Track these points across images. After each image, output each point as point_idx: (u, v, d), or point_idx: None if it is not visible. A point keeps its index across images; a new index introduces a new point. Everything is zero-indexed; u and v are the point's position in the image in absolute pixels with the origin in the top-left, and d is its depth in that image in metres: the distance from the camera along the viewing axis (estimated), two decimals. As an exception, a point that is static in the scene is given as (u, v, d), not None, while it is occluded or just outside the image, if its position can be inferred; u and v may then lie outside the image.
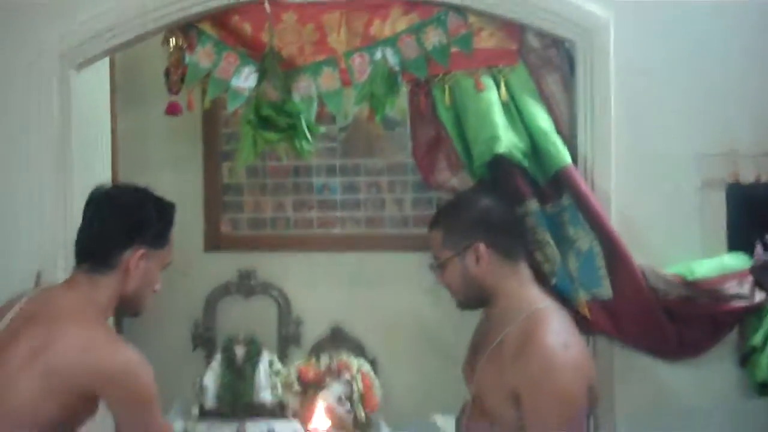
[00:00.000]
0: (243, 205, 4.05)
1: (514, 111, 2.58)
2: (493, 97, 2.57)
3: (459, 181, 2.70)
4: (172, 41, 2.81)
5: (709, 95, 2.58)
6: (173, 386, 3.69)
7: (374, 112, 2.71)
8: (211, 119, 3.96)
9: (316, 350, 4.01)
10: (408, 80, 2.71)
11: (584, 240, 2.51)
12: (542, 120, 2.55)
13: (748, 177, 2.55)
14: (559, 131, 2.56)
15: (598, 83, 2.57)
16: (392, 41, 2.67)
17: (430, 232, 2.38)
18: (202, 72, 2.76)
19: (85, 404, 2.05)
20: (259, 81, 2.67)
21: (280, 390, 3.68)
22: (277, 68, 2.65)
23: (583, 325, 2.52)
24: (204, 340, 4.09)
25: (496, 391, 2.19)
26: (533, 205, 2.53)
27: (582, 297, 2.52)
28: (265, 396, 3.66)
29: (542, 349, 2.12)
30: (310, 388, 3.66)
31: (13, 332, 2.04)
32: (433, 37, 2.64)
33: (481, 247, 2.26)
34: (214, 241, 4.06)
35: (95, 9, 2.72)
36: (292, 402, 3.69)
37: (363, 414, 3.60)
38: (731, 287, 2.43)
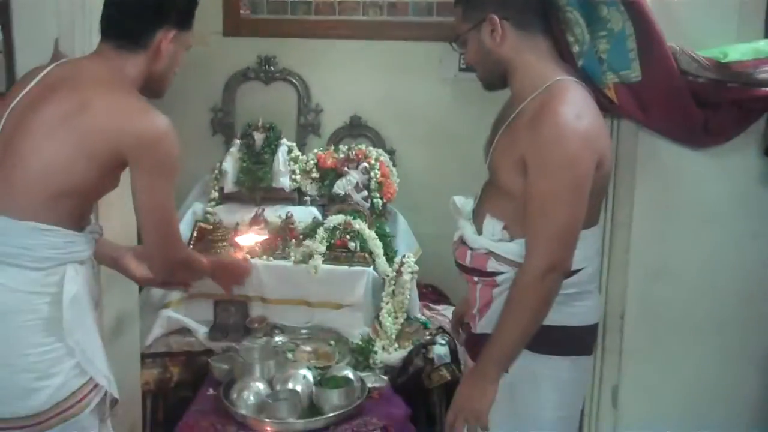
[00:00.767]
0: None
1: None
2: None
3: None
4: None
5: None
6: (193, 171, 3.77)
7: None
8: None
9: (335, 139, 4.03)
10: None
11: (617, 20, 2.40)
12: None
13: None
14: None
15: None
16: None
17: (454, 8, 2.31)
18: None
19: (111, 172, 2.05)
20: None
21: (298, 176, 3.73)
22: None
23: (609, 108, 2.46)
24: (223, 125, 4.09)
25: (508, 160, 2.18)
26: (565, -17, 2.42)
27: (609, 79, 2.44)
28: (284, 181, 3.71)
29: (554, 116, 2.09)
30: (328, 175, 3.72)
31: (39, 98, 2.02)
32: None
33: (495, 18, 2.19)
34: (234, 26, 3.99)
35: None
36: (310, 188, 3.75)
37: (380, 202, 3.66)
38: (764, 72, 2.34)
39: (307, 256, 3.40)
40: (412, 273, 3.35)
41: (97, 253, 2.24)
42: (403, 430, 2.97)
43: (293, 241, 3.51)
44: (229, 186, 3.72)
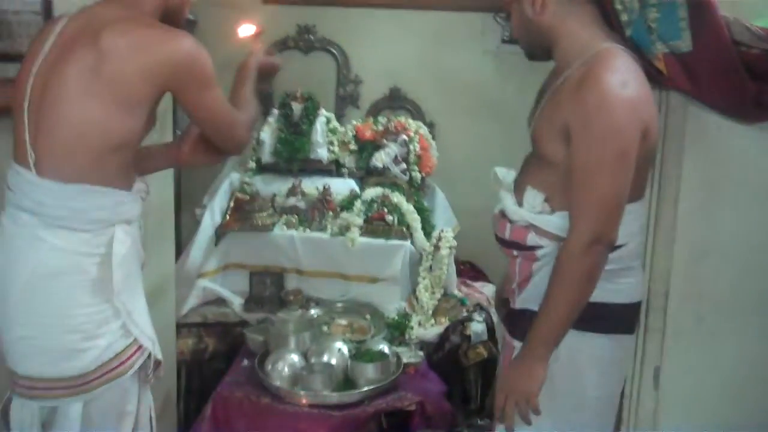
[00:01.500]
0: None
1: None
2: None
3: None
4: None
5: None
6: (230, 141, 3.70)
7: None
8: None
9: (374, 110, 4.00)
10: None
11: (668, -12, 2.33)
12: None
13: None
14: None
15: None
16: None
17: None
18: None
19: (151, 110, 2.02)
20: None
21: (336, 148, 3.70)
22: None
23: (657, 80, 2.38)
24: (261, 95, 3.97)
25: (551, 128, 2.13)
26: (615, -52, 2.34)
27: (659, 49, 2.36)
28: (322, 153, 3.68)
29: (599, 84, 2.02)
30: (366, 147, 3.68)
31: (59, 58, 1.98)
32: None
33: None
34: (274, -6, 3.92)
35: None
36: (348, 161, 3.71)
37: (419, 175, 3.61)
38: (823, 43, 2.26)
39: (344, 229, 3.38)
40: (450, 248, 3.31)
41: (153, 161, 2.27)
42: (438, 407, 2.94)
43: (330, 213, 3.49)
44: (266, 156, 3.69)
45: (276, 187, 3.63)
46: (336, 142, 3.69)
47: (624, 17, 2.36)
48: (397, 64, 3.87)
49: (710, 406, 2.54)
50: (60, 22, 2.06)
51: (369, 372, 2.85)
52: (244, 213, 3.49)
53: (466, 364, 3.17)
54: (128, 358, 2.04)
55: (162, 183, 2.76)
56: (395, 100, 3.95)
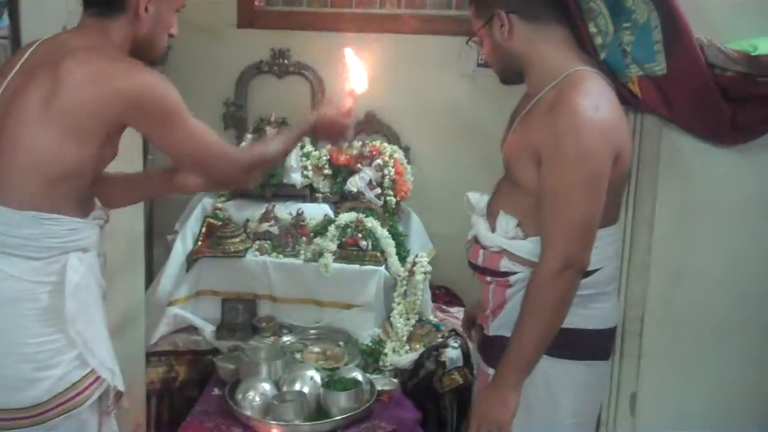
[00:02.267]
0: None
1: None
2: None
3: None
4: None
5: None
6: (203, 166, 3.67)
7: None
8: None
9: (349, 135, 3.93)
10: None
11: (642, 11, 2.31)
12: None
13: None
14: None
15: None
16: None
17: (469, 6, 2.27)
18: None
19: (108, 142, 1.97)
20: None
21: (310, 172, 3.66)
22: None
23: (632, 103, 2.38)
24: (235, 119, 4.02)
25: (522, 152, 2.11)
26: (587, -29, 2.33)
27: (633, 72, 2.36)
28: (296, 178, 3.65)
29: (570, 107, 2.01)
30: (340, 171, 3.66)
31: (22, 82, 1.95)
32: None
33: (502, 13, 2.12)
34: (248, 18, 3.91)
35: None
36: (322, 185, 3.68)
37: (393, 200, 3.59)
38: (796, 66, 2.25)
39: (318, 255, 3.34)
40: (425, 273, 3.27)
41: (145, 188, 2.27)
42: (413, 435, 2.89)
43: (304, 238, 3.45)
44: (238, 182, 3.63)
45: (249, 212, 3.58)
46: (310, 167, 3.65)
47: (598, 40, 2.35)
48: (372, 88, 3.80)
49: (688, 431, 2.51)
50: (31, 47, 2.04)
51: (342, 401, 2.79)
52: (215, 239, 3.44)
53: (441, 390, 3.12)
54: (85, 389, 1.97)
55: (132, 209, 2.71)
56: (370, 124, 3.91)
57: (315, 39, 3.87)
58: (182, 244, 3.51)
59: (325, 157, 3.65)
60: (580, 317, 2.09)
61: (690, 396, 2.52)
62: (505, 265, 2.17)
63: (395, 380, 3.06)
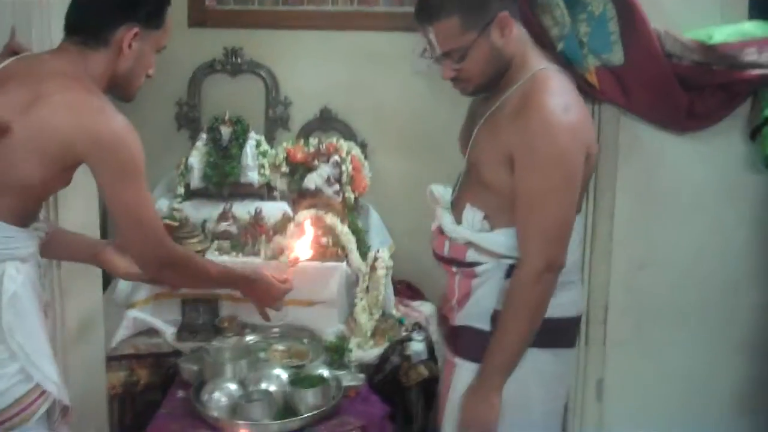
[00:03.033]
0: None
1: None
2: None
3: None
4: None
5: None
6: (158, 167, 3.60)
7: None
8: None
9: (305, 132, 3.92)
10: None
11: (597, 2, 2.36)
12: None
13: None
14: None
15: None
16: None
17: (431, 25, 2.10)
18: None
19: (62, 171, 1.94)
20: None
21: (267, 171, 3.61)
22: None
23: (590, 93, 2.41)
24: (188, 119, 3.97)
25: (491, 154, 2.12)
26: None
27: (591, 63, 2.40)
28: (252, 176, 3.58)
29: (541, 109, 2.02)
30: (298, 169, 3.61)
31: None
32: None
33: (506, 15, 2.07)
34: (199, 17, 3.85)
35: None
36: (280, 183, 3.64)
37: (352, 196, 3.56)
38: (750, 54, 2.32)
39: (278, 253, 3.30)
40: (386, 268, 3.26)
41: (73, 250, 2.17)
42: (382, 430, 2.88)
43: (263, 237, 3.41)
44: (195, 182, 3.58)
45: (206, 212, 3.53)
46: (267, 165, 3.60)
47: (555, 32, 2.38)
48: (327, 85, 3.83)
49: (654, 416, 2.56)
50: (5, 61, 1.99)
51: (309, 398, 2.77)
52: (173, 240, 3.38)
53: (407, 384, 3.12)
54: (30, 404, 1.92)
55: (86, 212, 2.68)
56: (326, 122, 3.90)
57: (268, 37, 3.83)
58: (139, 246, 3.44)
59: (282, 155, 3.62)
60: (550, 306, 2.12)
61: (655, 381, 2.57)
62: (471, 256, 2.19)
63: (361, 376, 3.04)
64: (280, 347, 3.18)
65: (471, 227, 2.19)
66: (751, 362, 2.56)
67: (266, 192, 3.64)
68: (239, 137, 3.58)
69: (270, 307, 2.53)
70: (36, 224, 2.03)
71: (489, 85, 2.18)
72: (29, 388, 1.92)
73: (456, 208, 2.27)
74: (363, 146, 3.80)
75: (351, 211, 3.56)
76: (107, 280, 3.31)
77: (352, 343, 3.16)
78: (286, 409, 2.79)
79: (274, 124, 3.94)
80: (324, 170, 3.56)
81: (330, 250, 3.33)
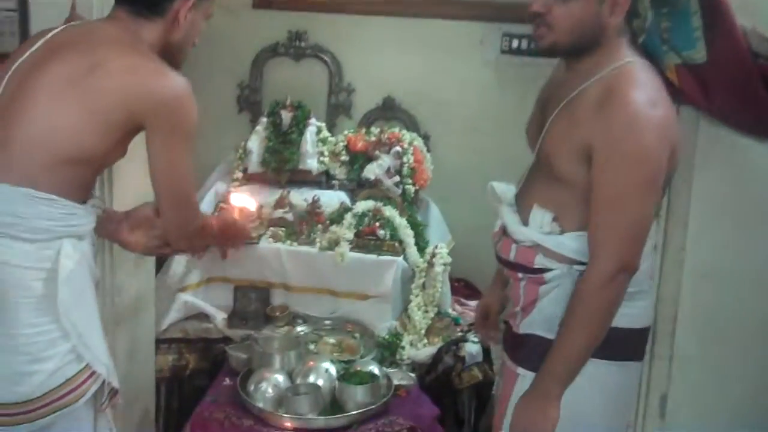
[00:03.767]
0: None
1: None
2: None
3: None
4: None
5: None
6: (216, 149, 3.63)
7: None
8: None
9: (367, 121, 3.88)
10: None
11: (681, -6, 2.22)
12: None
13: None
14: None
15: None
16: None
17: None
18: None
19: (122, 138, 1.92)
20: None
21: (327, 159, 3.58)
22: None
23: (669, 92, 2.26)
24: (249, 102, 3.96)
25: (567, 146, 2.00)
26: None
27: (671, 60, 2.26)
28: (311, 164, 3.56)
29: (627, 102, 1.90)
30: (358, 158, 3.57)
31: (45, 58, 1.89)
32: None
33: None
34: (264, -2, 3.81)
35: None
36: (339, 172, 3.60)
37: (412, 189, 3.50)
38: None
39: (334, 243, 3.25)
40: (444, 265, 3.18)
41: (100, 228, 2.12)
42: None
43: (319, 226, 3.35)
44: (253, 166, 3.56)
45: (263, 198, 3.49)
46: (326, 153, 3.56)
47: (636, 23, 2.26)
48: (391, 73, 3.77)
49: (718, 435, 2.42)
50: (55, 29, 1.99)
51: (358, 395, 2.70)
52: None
53: (459, 386, 3.03)
54: (80, 385, 1.89)
55: (143, 191, 2.63)
56: (389, 111, 3.84)
57: (333, 21, 3.80)
58: (193, 228, 3.42)
59: (342, 143, 3.56)
60: (619, 315, 1.99)
61: (722, 398, 2.44)
62: (539, 261, 2.07)
63: (412, 375, 2.97)
64: (331, 341, 3.14)
65: (539, 229, 2.08)
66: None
67: (324, 180, 3.60)
68: (300, 123, 3.56)
69: (236, 244, 2.63)
70: (93, 200, 2.02)
71: (567, 50, 2.05)
72: (80, 369, 1.89)
73: (521, 206, 2.16)
74: (426, 138, 3.74)
75: (410, 204, 3.49)
76: (160, 262, 3.29)
77: (405, 341, 3.09)
78: (333, 404, 2.73)
79: (336, 111, 3.90)
80: (384, 161, 3.49)
81: (387, 243, 3.27)
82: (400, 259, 3.24)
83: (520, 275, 2.13)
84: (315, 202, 3.41)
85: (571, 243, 2.02)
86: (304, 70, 3.87)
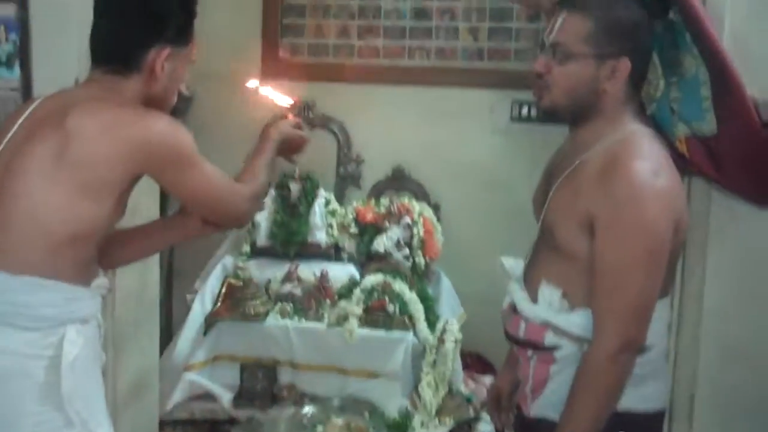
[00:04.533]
0: (304, 29, 3.80)
1: None
2: None
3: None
4: None
5: None
6: (225, 222, 3.55)
7: None
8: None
9: (376, 191, 3.84)
10: None
11: (689, 65, 2.15)
12: None
13: None
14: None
15: None
16: None
17: (569, 13, 1.97)
18: None
19: (119, 199, 1.86)
20: None
21: (335, 231, 3.55)
22: None
23: (679, 164, 2.19)
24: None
25: (569, 217, 1.93)
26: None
27: (680, 131, 2.19)
28: (320, 236, 3.53)
29: (628, 172, 1.84)
30: (367, 230, 3.53)
31: (27, 136, 1.84)
32: None
33: (628, 64, 1.91)
34: (272, 69, 3.82)
35: None
36: (348, 244, 3.56)
37: (423, 261, 3.45)
38: None
39: (342, 319, 3.19)
40: (455, 341, 3.10)
41: (160, 237, 2.15)
42: None
43: (328, 301, 3.30)
44: (261, 239, 3.53)
45: (271, 272, 3.46)
46: (335, 225, 3.53)
47: (646, 91, 2.19)
48: (400, 142, 3.74)
49: None
50: (35, 101, 1.94)
51: (367, 479, 2.62)
52: (236, 300, 3.31)
53: (472, 469, 2.94)
54: None
55: (145, 265, 2.59)
56: (398, 181, 3.80)
57: (341, 91, 3.78)
58: (201, 305, 3.38)
59: (351, 215, 3.53)
60: (631, 398, 1.90)
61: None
62: (550, 339, 1.98)
63: (424, 457, 2.88)
64: (339, 422, 3.07)
65: (548, 306, 2.00)
66: None
67: (334, 253, 3.56)
68: (308, 195, 3.55)
69: (299, 152, 2.44)
70: (98, 281, 1.95)
71: (565, 112, 2.00)
72: None
73: (529, 282, 2.08)
74: (436, 208, 3.69)
75: (421, 278, 3.44)
76: (168, 338, 3.25)
77: (416, 421, 3.01)
78: (341, 490, 2.64)
79: (345, 182, 3.87)
80: (394, 233, 3.44)
81: (397, 318, 3.21)
82: (410, 335, 3.18)
83: (529, 353, 2.04)
84: (323, 276, 3.37)
85: (581, 321, 1.93)
86: (312, 140, 3.82)
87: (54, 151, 1.78)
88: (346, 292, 3.30)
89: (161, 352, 3.06)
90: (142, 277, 2.54)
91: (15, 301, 1.78)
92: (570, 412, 1.89)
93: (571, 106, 1.98)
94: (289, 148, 2.33)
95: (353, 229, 3.54)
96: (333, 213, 3.54)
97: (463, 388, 3.22)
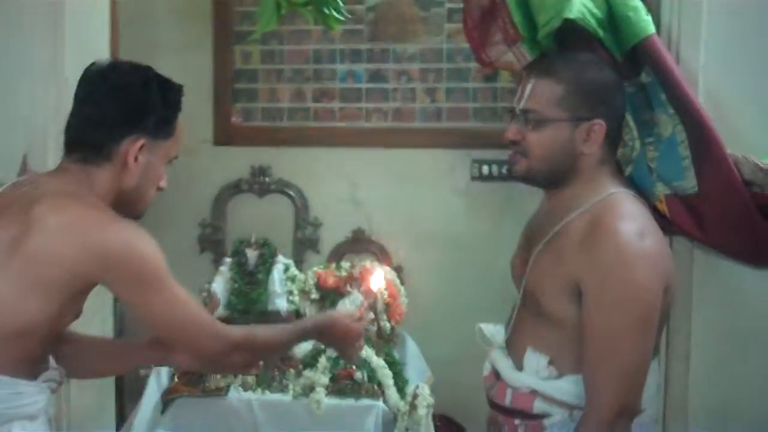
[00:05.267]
0: (257, 94, 3.77)
1: (587, -30, 2.20)
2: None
3: (515, 56, 2.31)
4: None
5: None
6: (178, 292, 3.44)
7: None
8: (223, -6, 3.66)
9: (336, 255, 3.79)
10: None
11: (666, 124, 2.17)
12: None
13: None
14: (640, -5, 2.19)
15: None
16: None
17: (538, 79, 1.99)
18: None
19: (72, 301, 1.77)
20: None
21: (296, 297, 3.45)
22: None
23: (660, 224, 2.18)
24: (212, 242, 3.87)
25: (554, 284, 1.92)
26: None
27: (660, 191, 2.19)
28: (280, 303, 3.43)
29: (613, 235, 1.84)
30: (329, 295, 3.43)
31: None
32: None
33: (603, 126, 1.94)
34: (225, 134, 3.79)
35: None
36: (309, 311, 3.46)
37: (387, 325, 3.37)
38: (841, 181, 2.09)
39: (308, 389, 3.07)
40: (427, 407, 3.01)
41: (126, 360, 2.08)
42: None
43: (292, 371, 3.18)
44: (219, 310, 3.40)
45: (230, 343, 3.32)
46: (296, 291, 3.43)
47: (623, 153, 2.20)
48: (360, 205, 3.73)
49: None
50: (3, 186, 1.85)
51: None
52: (194, 375, 3.16)
53: None
54: None
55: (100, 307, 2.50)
56: (359, 243, 3.76)
57: (298, 155, 3.76)
58: (157, 382, 3.23)
59: (312, 280, 3.45)
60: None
61: None
62: (538, 406, 1.96)
63: None
64: (311, 499, 2.93)
65: (536, 374, 1.97)
66: None
67: (295, 320, 3.43)
68: (266, 261, 3.46)
69: (351, 347, 2.23)
70: (47, 374, 1.84)
71: (542, 177, 2.02)
72: None
73: (513, 348, 2.06)
74: (398, 270, 3.64)
75: (387, 342, 3.35)
76: (119, 423, 3.11)
77: (391, 493, 2.89)
78: None
79: (303, 246, 3.83)
80: (356, 298, 3.35)
81: (366, 386, 3.10)
82: (380, 402, 3.07)
83: (517, 421, 2.01)
84: (286, 346, 3.26)
85: (570, 387, 1.92)
86: (268, 206, 3.82)
87: (11, 241, 1.69)
88: (311, 360, 3.19)
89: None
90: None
91: None
92: None
93: (549, 171, 1.99)
94: (340, 340, 2.19)
95: (314, 295, 3.44)
96: (293, 279, 3.45)
97: (437, 457, 3.13)
